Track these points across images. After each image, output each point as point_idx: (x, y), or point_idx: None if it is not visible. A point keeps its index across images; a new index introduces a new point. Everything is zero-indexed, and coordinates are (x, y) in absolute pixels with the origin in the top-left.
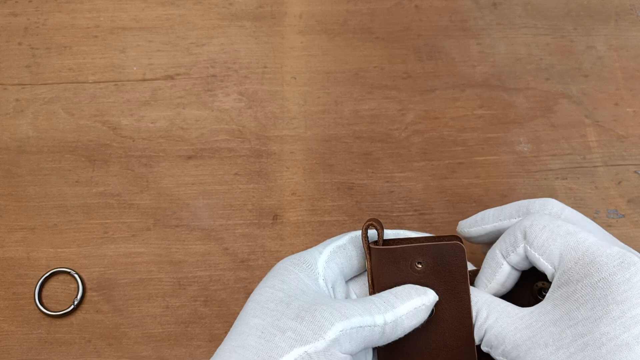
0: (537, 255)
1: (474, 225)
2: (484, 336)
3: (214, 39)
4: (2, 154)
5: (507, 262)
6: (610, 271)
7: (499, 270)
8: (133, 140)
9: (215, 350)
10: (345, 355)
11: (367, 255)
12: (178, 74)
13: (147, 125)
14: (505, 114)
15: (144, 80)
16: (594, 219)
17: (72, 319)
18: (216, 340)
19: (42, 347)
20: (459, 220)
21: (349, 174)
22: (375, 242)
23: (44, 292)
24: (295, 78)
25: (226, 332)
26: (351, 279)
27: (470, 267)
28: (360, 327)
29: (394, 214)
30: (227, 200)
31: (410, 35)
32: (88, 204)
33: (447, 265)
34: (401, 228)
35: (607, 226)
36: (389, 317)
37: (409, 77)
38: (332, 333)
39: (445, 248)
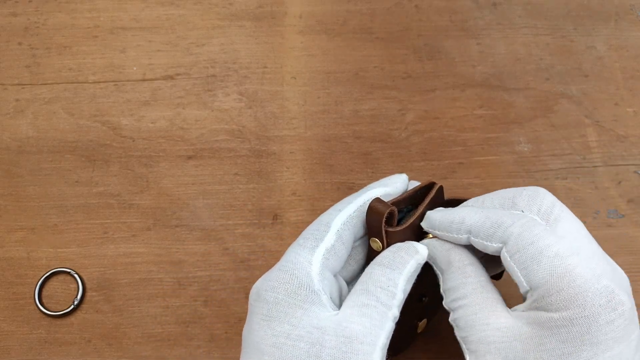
0: (515, 268)
1: (442, 230)
2: (453, 311)
3: (214, 39)
4: (2, 154)
5: (469, 238)
6: (595, 310)
7: (455, 234)
8: (133, 140)
9: (215, 351)
10: None
11: (384, 239)
12: (178, 74)
13: (147, 125)
14: (505, 114)
15: (144, 80)
16: (594, 219)
17: (72, 319)
18: (216, 340)
19: (42, 347)
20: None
21: (349, 174)
22: (387, 222)
23: (44, 292)
24: (295, 78)
25: (226, 332)
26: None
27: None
28: (387, 337)
29: None
30: (227, 200)
31: (410, 35)
32: (88, 204)
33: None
34: None
35: (607, 226)
36: (397, 300)
37: (409, 77)
38: None
39: (435, 198)
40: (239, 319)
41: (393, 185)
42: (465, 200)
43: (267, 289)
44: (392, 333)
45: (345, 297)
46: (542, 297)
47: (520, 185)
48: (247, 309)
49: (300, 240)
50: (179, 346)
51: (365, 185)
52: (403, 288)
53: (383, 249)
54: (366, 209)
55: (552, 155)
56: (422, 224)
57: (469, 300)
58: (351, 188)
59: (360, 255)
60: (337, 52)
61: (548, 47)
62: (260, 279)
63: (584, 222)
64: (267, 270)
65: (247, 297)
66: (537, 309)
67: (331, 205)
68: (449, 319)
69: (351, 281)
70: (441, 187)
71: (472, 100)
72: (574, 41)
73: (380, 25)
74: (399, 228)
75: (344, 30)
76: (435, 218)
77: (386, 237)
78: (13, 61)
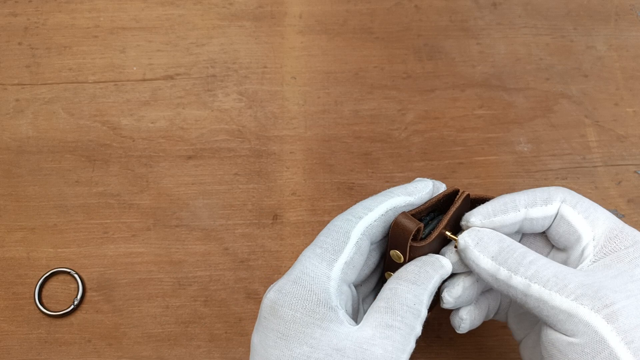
0: (581, 217)
1: (498, 214)
2: (534, 274)
3: (214, 39)
4: (2, 154)
5: (527, 211)
6: None
7: (512, 212)
8: (133, 140)
9: (215, 351)
10: None
11: (407, 254)
12: (178, 74)
13: (147, 125)
14: (505, 114)
15: (144, 80)
16: None
17: (72, 319)
18: (216, 340)
19: (42, 347)
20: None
21: (349, 174)
22: (413, 237)
23: (44, 292)
24: (295, 78)
25: (226, 332)
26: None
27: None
28: (407, 358)
29: None
30: (227, 200)
31: (410, 35)
32: (88, 204)
33: (462, 214)
34: None
35: None
36: (422, 318)
37: (409, 77)
38: None
39: (461, 207)
40: (239, 319)
41: (418, 196)
42: (488, 198)
43: (283, 304)
44: (412, 352)
45: (357, 304)
46: (611, 239)
47: (520, 185)
48: (247, 308)
49: (317, 249)
50: (179, 346)
51: (364, 184)
52: (427, 304)
53: (405, 262)
54: (387, 217)
55: (552, 155)
56: (473, 219)
57: (543, 260)
58: (351, 188)
59: (373, 260)
60: (337, 52)
61: (548, 47)
62: (274, 290)
63: None
64: (268, 270)
65: (247, 297)
66: (608, 252)
67: (331, 205)
68: (533, 292)
69: (361, 284)
70: (468, 196)
71: (472, 100)
72: (574, 41)
73: (380, 25)
74: (424, 243)
75: (344, 30)
76: (486, 208)
77: (409, 251)
78: (13, 61)
